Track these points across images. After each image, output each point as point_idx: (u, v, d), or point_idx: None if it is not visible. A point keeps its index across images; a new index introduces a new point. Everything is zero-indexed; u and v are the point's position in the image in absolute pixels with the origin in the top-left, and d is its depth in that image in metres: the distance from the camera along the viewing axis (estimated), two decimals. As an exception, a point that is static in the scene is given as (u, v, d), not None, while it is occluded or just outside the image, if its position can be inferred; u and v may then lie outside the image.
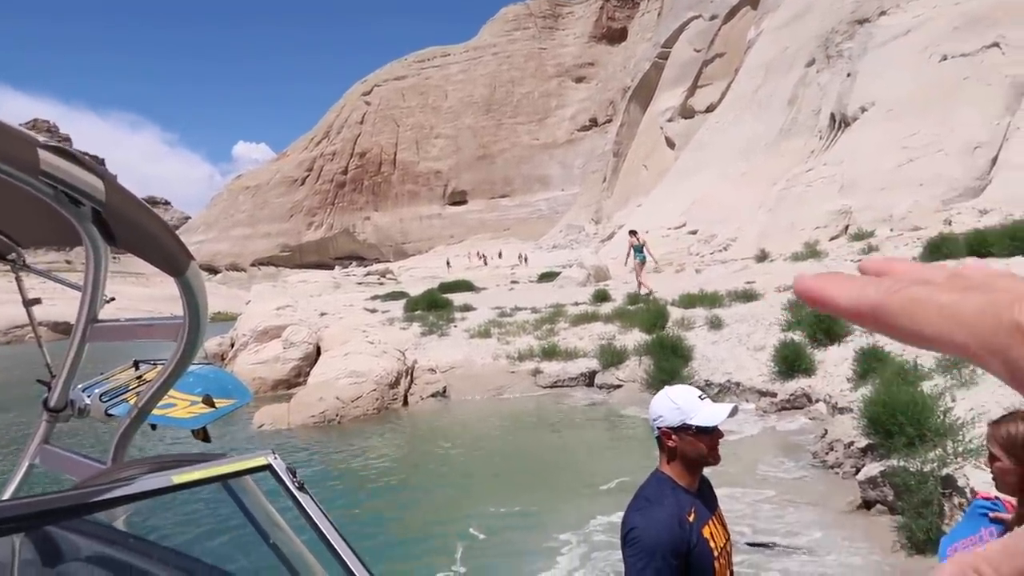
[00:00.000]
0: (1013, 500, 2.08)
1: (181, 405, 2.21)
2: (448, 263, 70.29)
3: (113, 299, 2.02)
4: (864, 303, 0.31)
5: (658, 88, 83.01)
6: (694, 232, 38.92)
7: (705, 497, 2.26)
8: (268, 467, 1.56)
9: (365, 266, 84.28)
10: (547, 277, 37.78)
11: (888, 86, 30.06)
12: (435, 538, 7.09)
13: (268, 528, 1.69)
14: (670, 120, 77.00)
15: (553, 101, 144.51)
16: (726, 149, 47.14)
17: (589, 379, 14.36)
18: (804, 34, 44.91)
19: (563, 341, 15.73)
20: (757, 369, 11.92)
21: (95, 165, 1.14)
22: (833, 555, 5.68)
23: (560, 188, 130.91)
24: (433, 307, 22.45)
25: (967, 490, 5.29)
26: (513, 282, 40.61)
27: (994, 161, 23.75)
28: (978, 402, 6.62)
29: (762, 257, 25.08)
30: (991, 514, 2.13)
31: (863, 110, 30.91)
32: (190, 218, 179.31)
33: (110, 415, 2.17)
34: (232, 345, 20.66)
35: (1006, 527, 2.06)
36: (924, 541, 5.28)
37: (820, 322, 11.39)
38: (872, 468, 6.52)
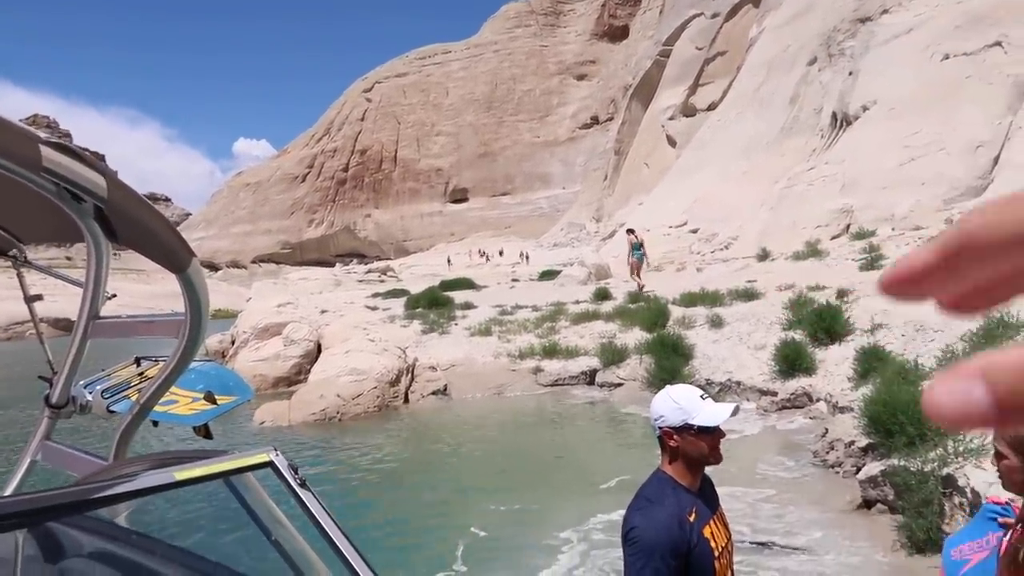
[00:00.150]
0: (1020, 502, 2.06)
1: (183, 402, 2.21)
2: (449, 261, 70.37)
3: (115, 295, 2.02)
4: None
5: (659, 86, 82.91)
6: (695, 231, 38.91)
7: (707, 497, 2.26)
8: (270, 464, 1.56)
9: (366, 264, 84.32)
10: (548, 275, 37.78)
11: (890, 85, 30.02)
12: (436, 536, 7.09)
13: (270, 525, 1.69)
14: (671, 118, 76.94)
15: (554, 99, 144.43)
16: (727, 147, 47.11)
17: (590, 377, 14.36)
18: (806, 32, 44.85)
19: (564, 339, 15.74)
20: (758, 368, 11.92)
21: (97, 161, 1.14)
22: (832, 554, 5.68)
23: (561, 186, 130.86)
24: (434, 305, 22.44)
25: (967, 490, 5.29)
26: (514, 280, 40.62)
27: (996, 160, 23.72)
28: (979, 402, 6.61)
29: (763, 256, 25.06)
30: (1000, 519, 2.12)
31: (865, 109, 30.87)
32: (190, 215, 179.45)
33: (112, 411, 2.17)
34: (233, 342, 20.66)
35: (1006, 529, 2.05)
36: (924, 540, 5.28)
37: (821, 321, 11.40)
38: (872, 467, 6.52)
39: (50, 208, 1.22)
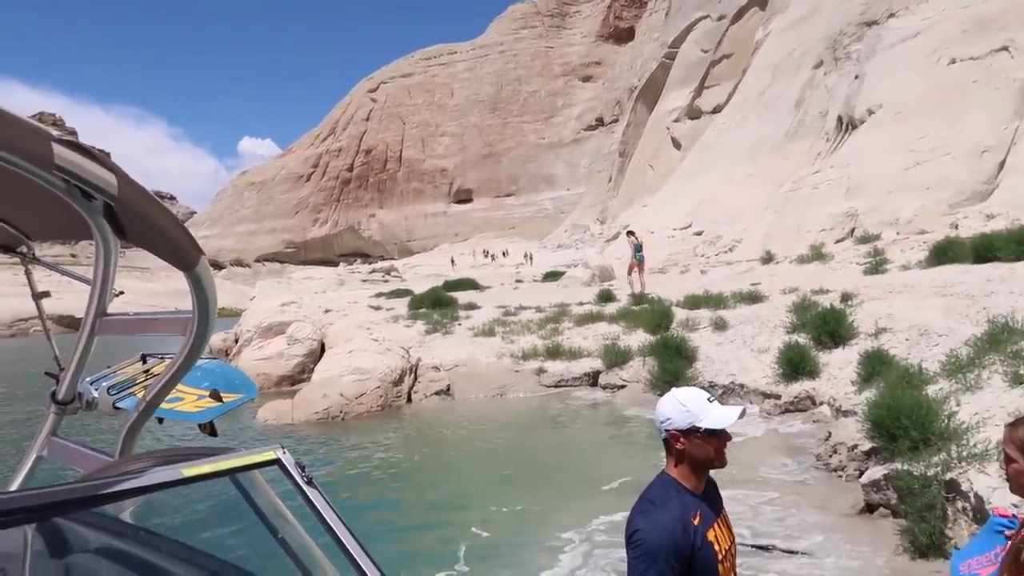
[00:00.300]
0: None
1: (188, 399, 2.22)
2: (452, 261, 70.37)
3: (122, 293, 2.03)
4: None
5: (665, 88, 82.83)
6: (699, 233, 38.87)
7: (711, 499, 2.25)
8: (277, 461, 1.56)
9: (370, 263, 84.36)
10: (552, 276, 37.80)
11: (896, 89, 29.95)
12: (438, 535, 7.10)
13: (276, 522, 1.69)
14: (676, 120, 76.85)
15: (559, 100, 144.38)
16: (732, 150, 47.06)
17: (593, 379, 14.36)
18: (812, 36, 44.79)
19: (567, 341, 15.74)
20: (761, 371, 11.91)
21: (107, 159, 1.15)
22: (832, 558, 5.67)
23: (566, 188, 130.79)
24: (437, 305, 22.45)
25: (971, 494, 5.28)
26: (518, 281, 40.62)
27: (1002, 165, 23.66)
28: (983, 406, 6.59)
29: (767, 259, 25.02)
30: (1007, 531, 2.10)
31: (870, 112, 30.81)
32: (195, 213, 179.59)
33: (118, 408, 2.18)
34: (236, 341, 20.70)
35: (1009, 540, 2.03)
36: (927, 545, 5.27)
37: (825, 324, 11.38)
38: (876, 471, 6.50)
39: (59, 205, 1.23)
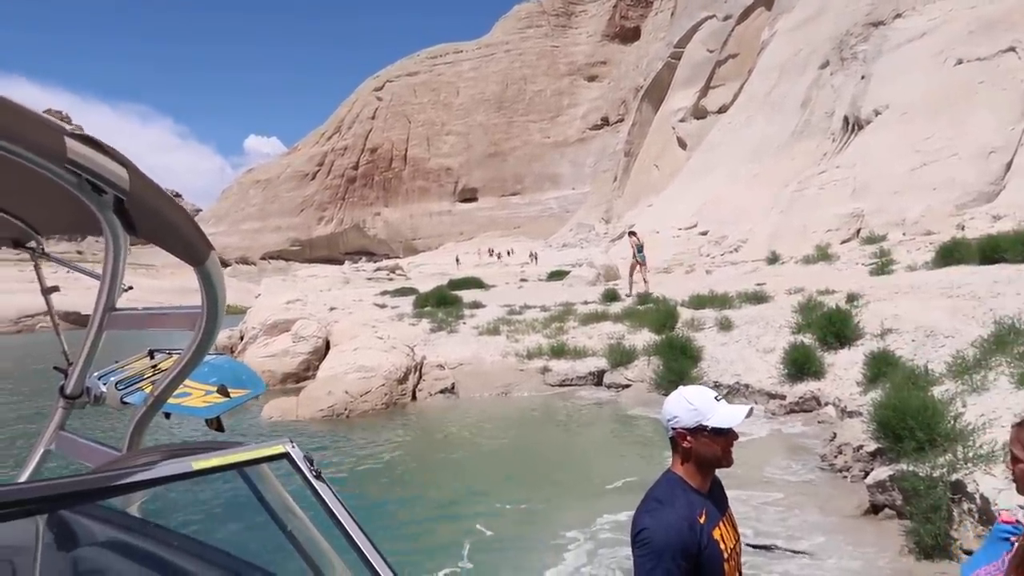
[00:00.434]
0: None
1: (196, 394, 2.22)
2: (457, 260, 70.46)
3: (131, 288, 2.04)
4: None
5: (670, 88, 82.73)
6: (705, 233, 38.83)
7: (716, 498, 2.25)
8: (286, 455, 1.57)
9: (375, 262, 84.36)
10: (557, 276, 37.77)
11: (902, 89, 29.88)
12: (442, 533, 7.11)
13: (284, 516, 1.70)
14: (682, 120, 76.75)
15: (565, 99, 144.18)
16: (738, 150, 47.00)
17: (598, 378, 14.35)
18: (818, 36, 44.69)
19: (572, 340, 15.73)
20: (766, 371, 11.89)
21: (119, 154, 1.15)
22: (834, 559, 5.67)
23: (571, 187, 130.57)
24: (442, 304, 22.48)
25: (977, 496, 5.27)
26: (522, 280, 40.61)
27: (1008, 166, 23.59)
28: (989, 408, 6.58)
29: (773, 259, 24.98)
30: (1012, 538, 2.09)
31: (877, 113, 30.73)
32: (201, 211, 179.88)
33: (125, 403, 2.19)
34: (241, 338, 20.73)
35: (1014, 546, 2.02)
36: (932, 546, 5.26)
37: (831, 325, 11.36)
38: (881, 472, 6.49)
39: (68, 200, 1.23)
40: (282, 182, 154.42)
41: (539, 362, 15.06)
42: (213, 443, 1.59)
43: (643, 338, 14.64)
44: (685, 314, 15.41)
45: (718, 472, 2.27)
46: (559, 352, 15.18)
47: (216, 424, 2.28)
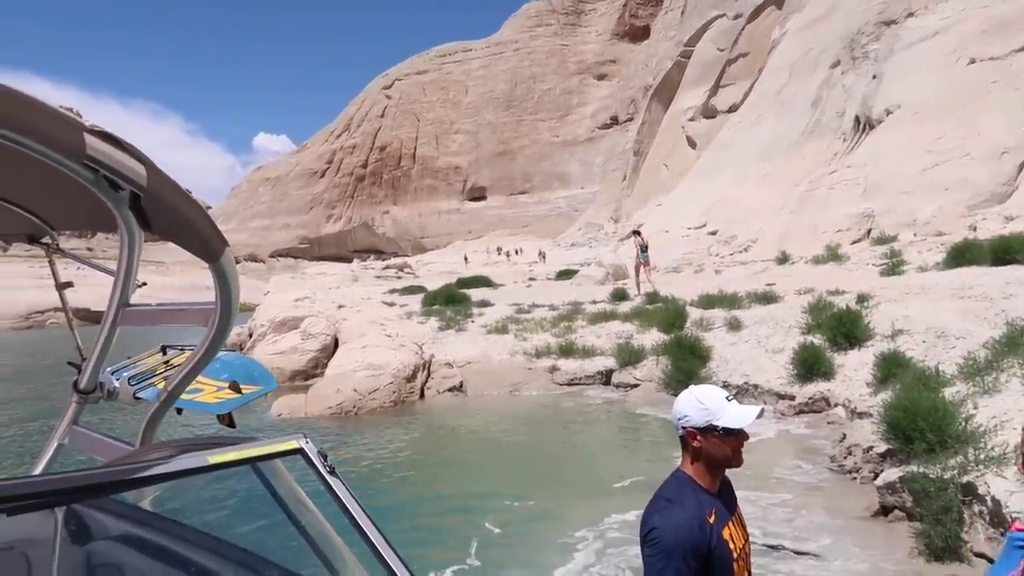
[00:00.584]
0: None
1: (208, 390, 2.23)
2: (466, 259, 70.53)
3: (145, 284, 2.05)
4: None
5: (680, 87, 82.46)
6: (714, 233, 38.70)
7: (725, 498, 2.24)
8: (300, 451, 1.58)
9: (383, 260, 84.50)
10: (565, 275, 37.78)
11: (914, 89, 29.68)
12: (450, 531, 7.12)
13: (297, 511, 1.70)
14: (692, 119, 76.51)
15: (574, 98, 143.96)
16: (748, 150, 46.81)
17: (606, 378, 14.34)
18: (829, 35, 44.45)
19: (580, 339, 15.72)
20: (775, 371, 11.85)
21: (138, 150, 1.15)
22: (839, 560, 5.65)
23: (579, 186, 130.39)
24: (451, 302, 22.51)
25: (988, 498, 5.24)
26: (531, 279, 40.63)
27: (1021, 167, 23.40)
28: (1000, 409, 6.54)
29: (783, 259, 24.89)
30: None
31: (888, 113, 30.55)
32: (211, 208, 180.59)
33: (138, 398, 2.20)
34: (250, 335, 20.82)
35: None
36: (943, 548, 5.24)
37: (841, 325, 11.31)
38: (891, 473, 6.46)
39: (83, 196, 1.23)
40: (291, 180, 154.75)
41: (547, 361, 15.05)
42: (227, 438, 1.60)
43: (652, 338, 14.61)
44: (694, 314, 15.38)
45: (727, 472, 2.27)
46: (567, 351, 15.17)
47: (228, 420, 2.29)
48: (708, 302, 16.18)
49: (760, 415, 2.19)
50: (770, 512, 6.84)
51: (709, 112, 74.44)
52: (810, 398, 10.75)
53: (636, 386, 13.60)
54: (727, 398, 2.18)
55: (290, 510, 1.70)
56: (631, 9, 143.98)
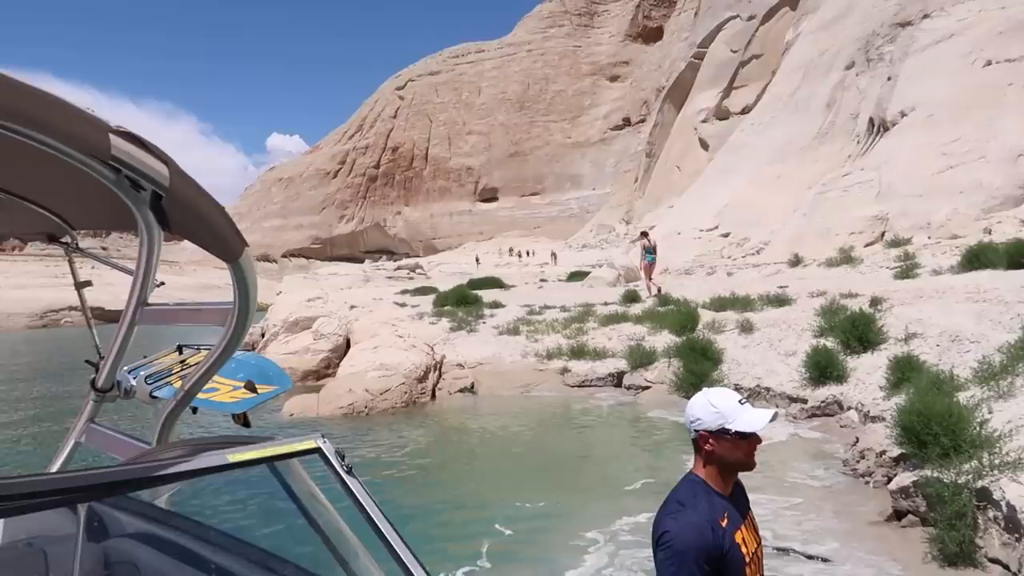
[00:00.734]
0: None
1: (224, 390, 2.25)
2: (477, 260, 70.56)
3: (163, 283, 2.07)
4: None
5: (693, 88, 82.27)
6: (726, 235, 38.56)
7: (738, 502, 2.24)
8: (317, 450, 1.59)
9: (395, 260, 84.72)
10: (577, 276, 37.76)
11: (929, 91, 29.47)
12: (461, 532, 7.12)
13: (314, 510, 1.72)
14: (704, 121, 76.33)
15: (586, 100, 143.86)
16: (761, 151, 46.58)
17: (617, 380, 14.31)
18: (844, 36, 44.20)
19: (592, 341, 15.70)
20: (788, 375, 11.79)
21: (161, 151, 1.17)
22: (848, 565, 5.62)
23: (591, 187, 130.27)
24: (462, 303, 22.53)
25: (1003, 503, 5.20)
26: (542, 280, 40.63)
27: (1037, 170, 23.21)
28: (1016, 414, 6.49)
29: (795, 262, 24.79)
30: None
31: (903, 115, 30.34)
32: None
33: (155, 397, 2.22)
34: (263, 335, 20.90)
35: None
36: (957, 554, 5.20)
37: (854, 329, 11.24)
38: (905, 478, 6.42)
39: (103, 195, 1.25)
40: (304, 180, 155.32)
41: (559, 362, 15.04)
42: (243, 437, 1.61)
43: (663, 340, 14.58)
44: (706, 316, 15.32)
45: (740, 475, 2.26)
46: (579, 353, 15.16)
47: (243, 419, 2.31)
48: (720, 304, 16.12)
49: (774, 419, 2.18)
50: (781, 515, 6.81)
51: (722, 114, 74.24)
52: (823, 401, 10.69)
53: (647, 388, 13.56)
54: (740, 401, 2.18)
55: (307, 509, 1.71)
56: (644, 10, 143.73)
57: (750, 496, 2.36)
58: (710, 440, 2.16)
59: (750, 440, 2.15)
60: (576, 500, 7.84)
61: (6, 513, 1.34)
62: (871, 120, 33.65)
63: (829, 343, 11.53)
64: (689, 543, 2.00)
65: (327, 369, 17.12)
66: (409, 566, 1.46)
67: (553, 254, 69.19)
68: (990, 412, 6.70)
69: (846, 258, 22.30)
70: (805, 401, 10.95)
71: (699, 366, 12.49)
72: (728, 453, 2.15)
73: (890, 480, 6.89)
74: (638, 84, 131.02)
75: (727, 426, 2.12)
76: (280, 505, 1.75)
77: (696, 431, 2.19)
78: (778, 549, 5.92)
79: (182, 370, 2.30)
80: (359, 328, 17.86)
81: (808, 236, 27.70)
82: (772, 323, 13.82)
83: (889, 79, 33.48)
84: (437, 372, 15.02)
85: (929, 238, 22.21)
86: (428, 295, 27.75)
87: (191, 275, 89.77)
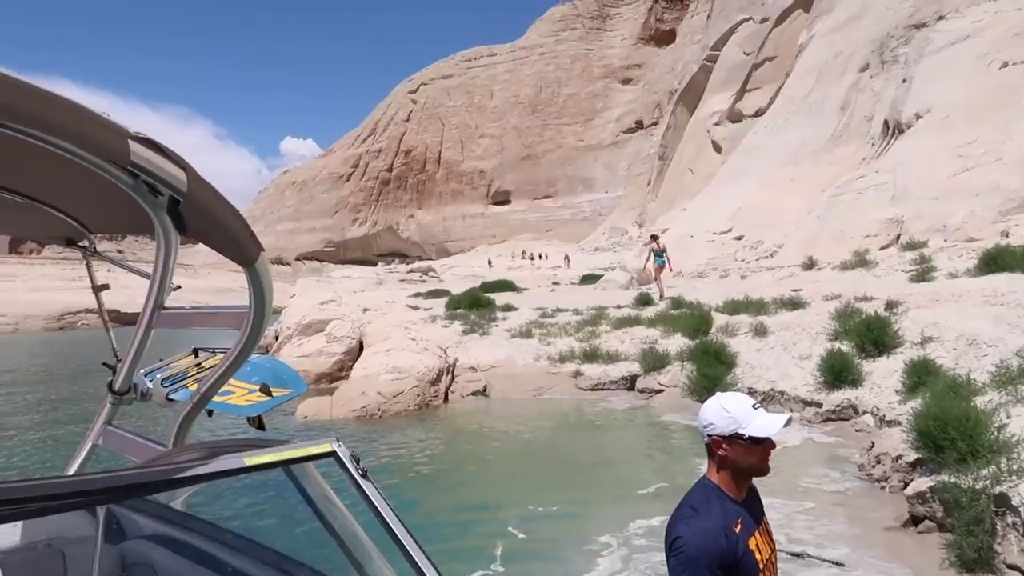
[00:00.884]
0: None
1: (239, 393, 2.26)
2: (490, 263, 70.56)
3: (179, 287, 2.08)
4: None
5: (706, 91, 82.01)
6: (740, 238, 38.40)
7: (752, 507, 2.21)
8: (333, 454, 1.59)
9: (408, 263, 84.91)
10: (589, 279, 37.72)
11: (944, 93, 29.26)
12: (474, 535, 7.12)
13: (329, 514, 1.72)
14: (717, 124, 76.07)
15: (599, 103, 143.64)
16: (774, 154, 46.38)
17: (630, 383, 14.27)
18: (858, 38, 43.97)
19: (605, 344, 15.67)
20: (802, 378, 11.72)
21: (179, 157, 1.18)
22: (860, 570, 5.58)
23: (604, 190, 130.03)
24: (475, 306, 22.56)
25: (1021, 508, 5.15)
26: (555, 283, 40.61)
27: (1055, 172, 22.99)
28: (1034, 419, 6.43)
29: (809, 265, 24.64)
30: None
31: (918, 117, 30.14)
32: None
33: (171, 400, 2.24)
34: (276, 338, 21.00)
35: None
36: (974, 560, 5.15)
37: (869, 332, 11.16)
38: (921, 483, 6.36)
39: (121, 200, 1.26)
40: (317, 184, 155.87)
41: (571, 366, 15.02)
42: (258, 441, 1.62)
43: (677, 343, 14.53)
44: (719, 319, 15.27)
45: (754, 480, 2.24)
46: (591, 356, 15.13)
47: (258, 422, 2.32)
48: (734, 307, 16.06)
49: (788, 424, 2.15)
50: (795, 520, 6.77)
51: (735, 116, 73.96)
52: (837, 406, 10.62)
53: (660, 392, 13.52)
54: (754, 406, 2.15)
55: (322, 512, 1.72)
56: (656, 13, 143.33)
57: (764, 501, 2.34)
58: (723, 445, 2.13)
59: (764, 445, 2.12)
60: (589, 503, 7.82)
61: (27, 515, 1.35)
62: (886, 122, 33.45)
63: (844, 347, 11.46)
64: (702, 549, 1.98)
65: (340, 372, 17.18)
66: (424, 569, 1.46)
67: (566, 257, 69.19)
68: (1008, 417, 6.64)
69: (861, 261, 22.15)
70: (820, 405, 10.88)
71: (712, 370, 12.44)
72: (742, 458, 2.13)
73: (906, 485, 6.83)
74: (650, 87, 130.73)
75: (740, 431, 2.10)
76: (295, 508, 1.75)
77: (709, 436, 2.17)
78: (791, 554, 5.88)
79: (198, 373, 2.32)
80: (372, 331, 17.91)
81: (822, 239, 27.53)
82: (786, 326, 13.75)
83: (904, 81, 33.28)
84: (450, 375, 15.04)
85: (945, 241, 22.03)
86: (441, 298, 27.80)
87: (205, 278, 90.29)
